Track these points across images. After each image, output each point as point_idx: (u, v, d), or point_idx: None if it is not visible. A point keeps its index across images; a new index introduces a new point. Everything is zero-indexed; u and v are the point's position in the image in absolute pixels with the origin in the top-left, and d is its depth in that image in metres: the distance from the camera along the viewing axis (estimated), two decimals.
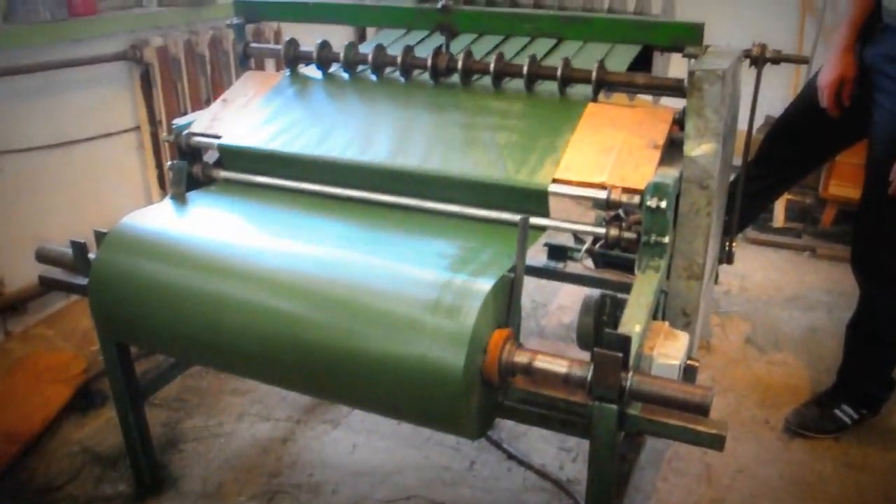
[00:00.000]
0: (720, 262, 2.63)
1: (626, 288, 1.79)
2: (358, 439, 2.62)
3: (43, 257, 2.15)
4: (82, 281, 2.05)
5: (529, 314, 3.46)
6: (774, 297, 3.67)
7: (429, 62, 2.21)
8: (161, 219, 2.01)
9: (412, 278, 1.67)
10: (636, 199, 1.81)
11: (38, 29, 2.92)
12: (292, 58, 2.41)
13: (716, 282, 2.77)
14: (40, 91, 3.00)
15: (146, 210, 2.05)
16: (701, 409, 1.45)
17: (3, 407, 2.63)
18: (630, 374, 1.48)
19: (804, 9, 4.88)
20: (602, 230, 1.88)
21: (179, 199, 2.12)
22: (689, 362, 1.73)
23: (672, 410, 1.51)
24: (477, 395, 1.57)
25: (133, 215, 1.99)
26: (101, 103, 3.27)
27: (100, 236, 1.96)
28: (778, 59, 2.29)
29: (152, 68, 3.30)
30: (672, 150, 1.97)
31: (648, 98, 2.49)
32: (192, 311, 1.78)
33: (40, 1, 2.92)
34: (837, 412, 2.67)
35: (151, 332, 1.89)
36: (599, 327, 1.96)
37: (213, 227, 1.98)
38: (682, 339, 1.71)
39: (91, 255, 2.01)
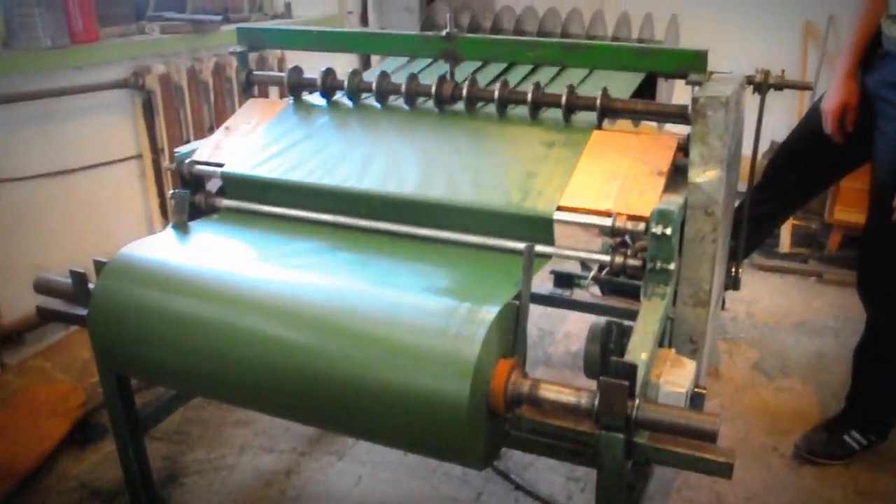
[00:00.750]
0: (727, 287, 2.64)
1: (633, 315, 1.80)
2: (363, 471, 2.63)
3: (41, 287, 2.15)
4: (81, 311, 2.04)
5: (536, 342, 3.47)
6: (781, 322, 3.68)
7: (433, 90, 2.24)
8: (163, 248, 2.02)
9: (416, 307, 1.69)
10: (641, 225, 1.83)
11: (38, 56, 2.96)
12: (296, 85, 2.44)
13: (723, 308, 2.79)
14: (40, 119, 3.03)
15: (147, 239, 2.06)
16: (709, 437, 1.46)
17: None
18: (637, 402, 1.49)
19: (806, 35, 4.94)
20: (607, 257, 1.90)
21: (181, 228, 2.13)
22: (696, 389, 1.74)
23: (680, 438, 1.51)
24: (483, 425, 1.58)
25: (134, 244, 2.00)
26: (102, 131, 3.30)
27: (100, 266, 1.95)
28: (781, 85, 2.32)
29: (154, 96, 3.33)
30: (677, 176, 1.99)
31: (653, 124, 2.52)
32: (195, 343, 1.78)
33: (41, 27, 2.95)
34: (846, 438, 2.68)
35: (152, 363, 1.89)
36: (606, 355, 1.97)
37: (215, 256, 2.00)
38: (689, 366, 1.72)
39: (91, 285, 2.00)
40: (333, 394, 1.64)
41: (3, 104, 2.84)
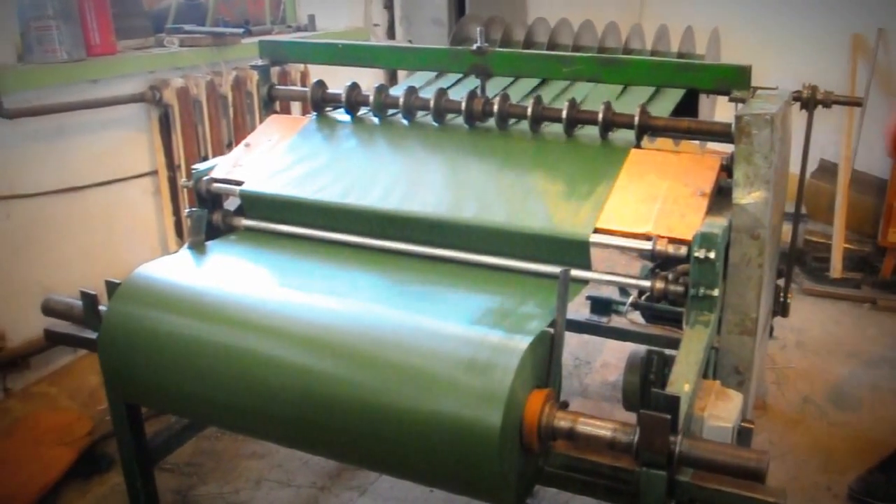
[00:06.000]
0: (775, 314, 2.62)
1: (675, 344, 1.80)
2: None
3: (50, 310, 2.17)
4: (91, 335, 2.06)
5: (571, 372, 3.45)
6: (834, 352, 3.64)
7: (463, 106, 2.26)
8: (178, 270, 2.04)
9: (445, 334, 1.69)
10: (683, 249, 1.82)
11: (54, 69, 3.03)
12: (319, 100, 2.47)
13: (770, 336, 2.76)
14: (54, 133, 3.08)
15: (162, 260, 2.08)
16: (757, 476, 1.45)
17: (0, 472, 2.62)
18: (679, 437, 1.48)
19: (855, 50, 4.91)
20: (647, 283, 1.89)
21: (198, 249, 2.16)
22: (743, 424, 1.73)
23: (726, 477, 1.50)
24: (515, 461, 1.58)
25: (148, 265, 2.02)
26: (117, 146, 3.35)
27: (112, 287, 1.97)
28: (829, 101, 2.32)
29: (171, 110, 3.37)
30: (720, 197, 1.99)
31: (694, 143, 2.52)
32: (210, 370, 1.80)
33: (58, 40, 3.02)
34: None
35: (165, 390, 1.90)
36: (646, 386, 1.96)
37: (233, 278, 2.01)
38: (736, 399, 1.71)
39: (102, 308, 2.02)
40: (356, 425, 1.65)
41: (16, 118, 2.89)
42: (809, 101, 2.30)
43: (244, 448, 2.93)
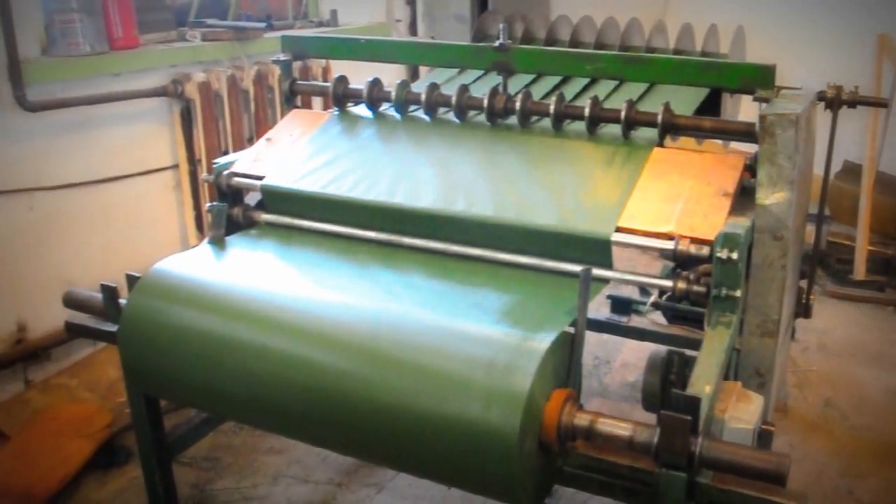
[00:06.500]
0: (797, 316, 2.61)
1: (696, 344, 1.79)
2: None
3: (71, 302, 2.19)
4: (111, 328, 2.08)
5: (591, 372, 3.45)
6: (857, 355, 3.61)
7: (485, 102, 2.25)
8: (198, 264, 2.05)
9: (464, 334, 1.69)
10: (705, 249, 1.82)
11: (77, 62, 3.05)
12: (341, 96, 2.47)
13: (792, 338, 2.75)
14: (76, 126, 3.10)
15: (183, 254, 2.09)
16: (778, 479, 1.44)
17: (19, 463, 2.65)
18: (700, 439, 1.48)
19: (881, 50, 4.87)
20: (669, 282, 1.89)
21: (218, 243, 2.17)
22: (763, 426, 1.72)
23: (746, 479, 1.50)
24: (534, 461, 1.58)
25: (168, 259, 2.03)
26: (138, 140, 3.37)
27: (132, 280, 1.99)
28: (854, 101, 2.30)
29: (193, 104, 3.39)
30: (743, 198, 1.98)
31: (717, 142, 2.50)
32: (229, 364, 1.81)
33: (81, 33, 3.04)
34: None
35: (184, 384, 1.92)
36: (666, 387, 1.95)
37: (253, 273, 2.02)
38: (757, 401, 1.70)
39: (122, 301, 2.03)
40: (374, 422, 1.65)
41: (40, 111, 2.92)
42: (834, 101, 2.28)
43: (262, 443, 2.94)
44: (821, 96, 2.27)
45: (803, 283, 2.59)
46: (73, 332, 2.25)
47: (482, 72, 2.58)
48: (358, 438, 1.72)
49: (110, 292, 2.08)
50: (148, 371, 1.96)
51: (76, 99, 3.04)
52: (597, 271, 1.88)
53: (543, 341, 1.59)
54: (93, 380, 3.12)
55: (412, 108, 2.43)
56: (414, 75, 4.37)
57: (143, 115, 3.36)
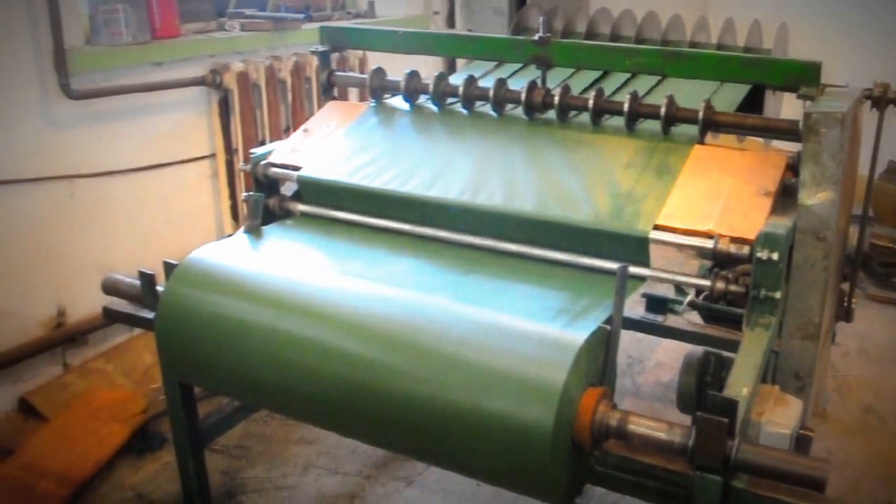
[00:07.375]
0: (838, 319, 2.56)
1: (733, 346, 1.77)
2: (433, 500, 2.62)
3: (109, 288, 2.22)
4: (148, 314, 2.10)
5: (625, 371, 3.42)
6: None
7: (523, 96, 2.24)
8: (234, 252, 2.07)
9: (499, 328, 1.68)
10: (745, 249, 1.79)
11: (120, 51, 3.09)
12: (378, 88, 2.47)
13: (832, 341, 2.70)
14: (117, 115, 3.14)
15: (219, 243, 2.11)
16: (816, 485, 1.42)
17: (57, 445, 2.69)
18: (736, 442, 1.46)
19: None
20: (707, 282, 1.86)
21: (254, 233, 2.18)
22: (802, 432, 1.69)
23: (783, 485, 1.47)
24: (566, 459, 1.56)
25: (205, 248, 2.05)
26: (177, 129, 3.40)
27: (170, 268, 2.01)
28: None
29: (231, 94, 3.41)
30: (785, 197, 1.95)
31: (759, 140, 2.46)
32: (263, 353, 1.82)
33: (124, 23, 3.08)
34: None
35: (218, 371, 1.94)
36: (702, 389, 1.93)
37: (288, 263, 2.03)
38: (795, 405, 1.67)
39: (159, 288, 2.06)
40: (406, 415, 1.65)
41: (83, 99, 2.96)
42: (881, 99, 2.23)
43: (293, 433, 2.95)
44: (867, 94, 2.22)
45: (845, 286, 2.55)
46: (111, 317, 2.27)
47: (520, 65, 2.56)
48: (389, 429, 1.73)
49: (148, 279, 2.10)
50: (183, 358, 1.99)
51: (118, 88, 3.09)
52: (633, 269, 1.86)
53: (579, 337, 1.58)
54: (128, 365, 3.16)
55: (449, 100, 2.42)
56: (451, 68, 4.35)
57: (182, 104, 3.39)
